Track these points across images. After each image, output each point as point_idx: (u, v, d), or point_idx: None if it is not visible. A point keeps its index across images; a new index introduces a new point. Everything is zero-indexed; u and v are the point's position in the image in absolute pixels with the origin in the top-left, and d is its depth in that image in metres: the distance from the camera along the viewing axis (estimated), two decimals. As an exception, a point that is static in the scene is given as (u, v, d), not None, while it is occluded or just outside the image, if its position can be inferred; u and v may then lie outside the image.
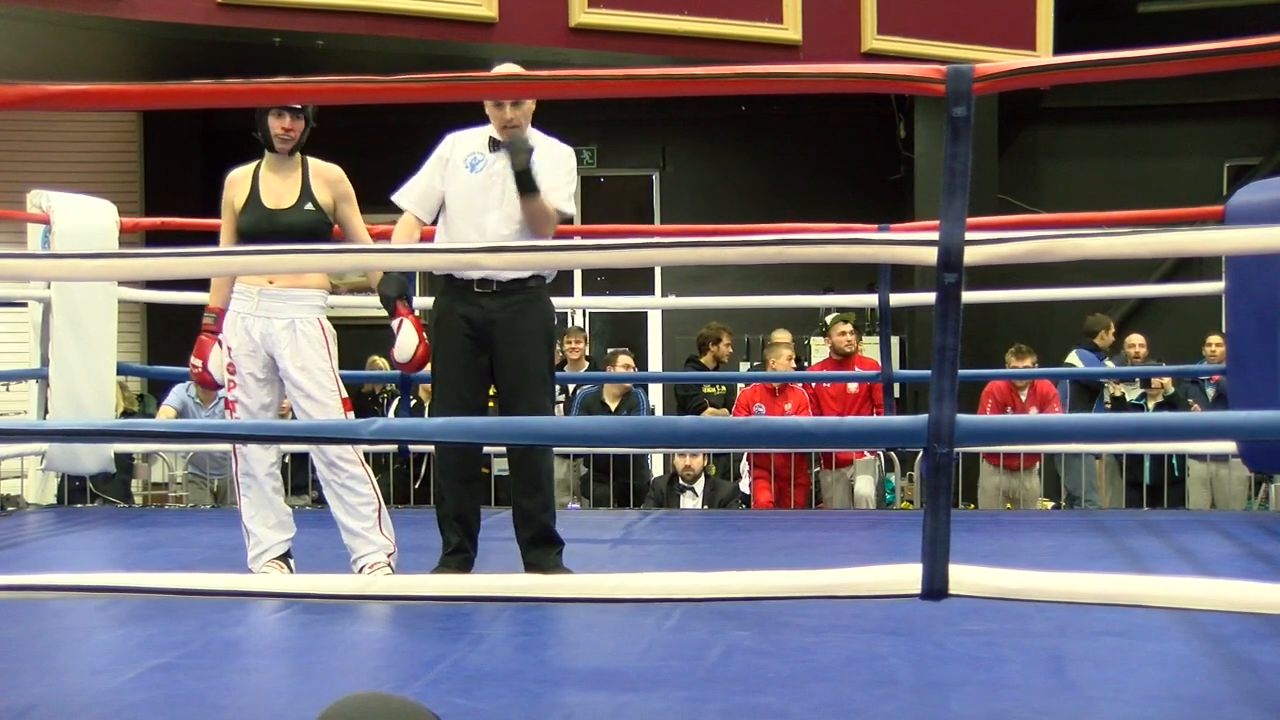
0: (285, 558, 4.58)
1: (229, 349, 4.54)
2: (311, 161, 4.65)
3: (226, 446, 7.96)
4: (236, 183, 4.64)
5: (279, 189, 4.58)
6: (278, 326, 4.52)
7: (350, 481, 4.53)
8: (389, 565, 4.54)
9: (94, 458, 6.68)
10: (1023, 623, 3.72)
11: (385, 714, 1.79)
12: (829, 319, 9.50)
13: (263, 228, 4.49)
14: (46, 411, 6.45)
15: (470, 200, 4.61)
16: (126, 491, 8.57)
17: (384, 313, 4.56)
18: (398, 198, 4.66)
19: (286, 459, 7.62)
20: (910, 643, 3.62)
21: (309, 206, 4.57)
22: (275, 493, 4.62)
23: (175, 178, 12.56)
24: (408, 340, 4.49)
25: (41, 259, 4.91)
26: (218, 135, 12.87)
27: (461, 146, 4.65)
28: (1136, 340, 9.36)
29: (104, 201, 6.71)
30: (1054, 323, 9.88)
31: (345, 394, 4.62)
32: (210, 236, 6.51)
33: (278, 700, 3.27)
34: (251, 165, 4.65)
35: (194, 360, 4.60)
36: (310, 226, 4.53)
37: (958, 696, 3.17)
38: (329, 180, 4.63)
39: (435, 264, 4.39)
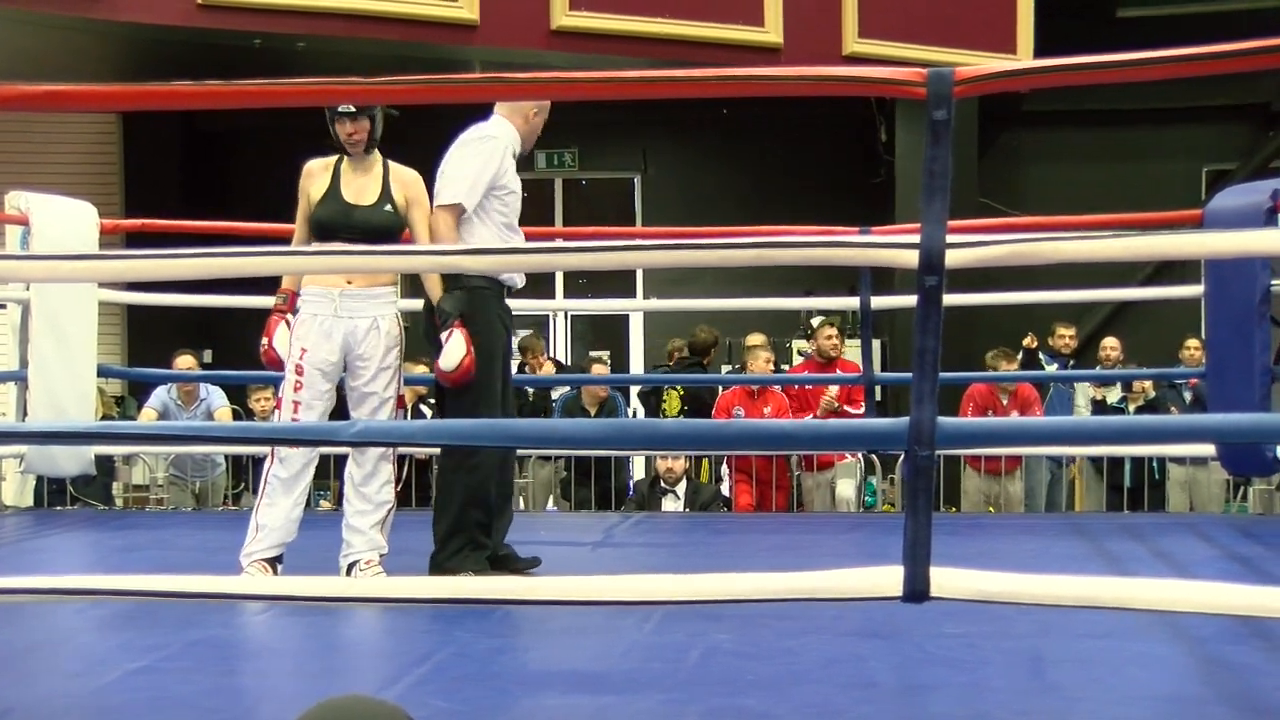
0: (275, 561, 4.57)
1: (302, 351, 4.51)
2: (391, 163, 4.66)
3: (207, 448, 8.01)
4: (315, 173, 4.61)
5: (359, 185, 4.58)
6: (362, 327, 4.54)
7: (379, 481, 4.58)
8: (380, 565, 4.55)
9: (73, 460, 6.65)
10: (1004, 625, 3.73)
11: (362, 717, 1.78)
12: (815, 322, 9.52)
13: (339, 221, 4.49)
14: (25, 413, 6.42)
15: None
16: (108, 494, 8.54)
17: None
18: (463, 198, 4.58)
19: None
20: (891, 645, 3.63)
21: (388, 207, 4.58)
22: (302, 497, 4.61)
23: (155, 179, 12.53)
24: (457, 350, 4.48)
25: (20, 260, 4.88)
26: (197, 137, 12.86)
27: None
28: (1109, 344, 9.44)
29: (84, 203, 6.68)
30: (1034, 326, 9.92)
31: (402, 391, 4.72)
32: (189, 239, 6.51)
33: (259, 702, 3.26)
34: (332, 158, 4.63)
35: (263, 340, 4.58)
36: (387, 226, 4.55)
37: (938, 698, 3.18)
38: (406, 183, 4.64)
39: (421, 266, 4.39)
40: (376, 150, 4.63)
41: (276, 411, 4.75)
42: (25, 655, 3.65)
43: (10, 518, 6.58)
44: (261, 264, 3.63)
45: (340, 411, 4.75)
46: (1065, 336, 9.74)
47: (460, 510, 4.60)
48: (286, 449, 4.52)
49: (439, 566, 4.56)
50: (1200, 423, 4.92)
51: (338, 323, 4.52)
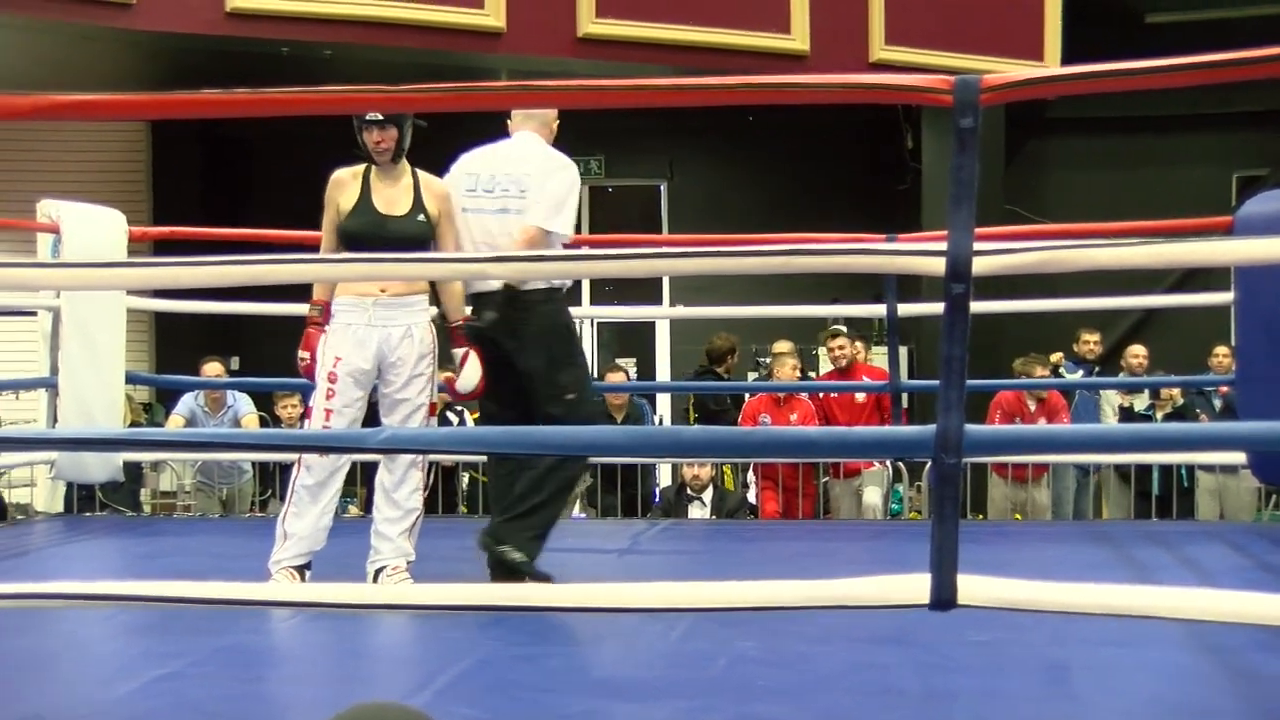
0: (303, 569, 4.58)
1: (336, 359, 4.51)
2: (420, 173, 4.66)
3: (234, 455, 8.04)
4: (344, 183, 4.59)
5: (390, 195, 4.58)
6: (396, 335, 4.54)
7: (408, 488, 4.59)
8: (407, 572, 4.55)
9: (102, 466, 6.69)
10: (1025, 632, 3.71)
11: (390, 723, 1.78)
12: (821, 334, 9.50)
13: (372, 232, 4.48)
14: (55, 420, 6.46)
15: None
16: (135, 500, 8.58)
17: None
18: (569, 232, 4.68)
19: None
20: (913, 652, 3.62)
21: (420, 217, 4.58)
22: (330, 505, 4.61)
23: (182, 187, 12.60)
24: (474, 373, 4.62)
25: (51, 268, 4.92)
26: (225, 144, 12.92)
27: None
28: (1136, 351, 9.37)
29: (113, 211, 6.72)
30: (1061, 333, 9.87)
31: (435, 399, 4.73)
32: (217, 246, 6.54)
33: (283, 710, 3.27)
34: (359, 167, 4.61)
35: (301, 354, 4.56)
36: (420, 236, 4.55)
37: (960, 706, 3.17)
38: (437, 195, 4.65)
39: (447, 274, 4.42)
40: (405, 159, 4.64)
41: (306, 420, 4.75)
42: (52, 661, 3.67)
43: (41, 523, 6.62)
44: (288, 271, 3.64)
45: (371, 419, 4.77)
46: (1090, 342, 9.69)
47: (547, 501, 4.66)
48: (313, 458, 4.53)
49: (497, 535, 4.57)
50: (1230, 430, 4.88)
51: (371, 331, 4.52)
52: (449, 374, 4.67)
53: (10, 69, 10.41)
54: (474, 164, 4.76)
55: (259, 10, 9.23)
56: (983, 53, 10.37)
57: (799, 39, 10.23)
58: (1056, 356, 9.59)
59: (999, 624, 3.66)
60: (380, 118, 4.49)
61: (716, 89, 2.88)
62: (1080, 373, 9.48)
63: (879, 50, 10.41)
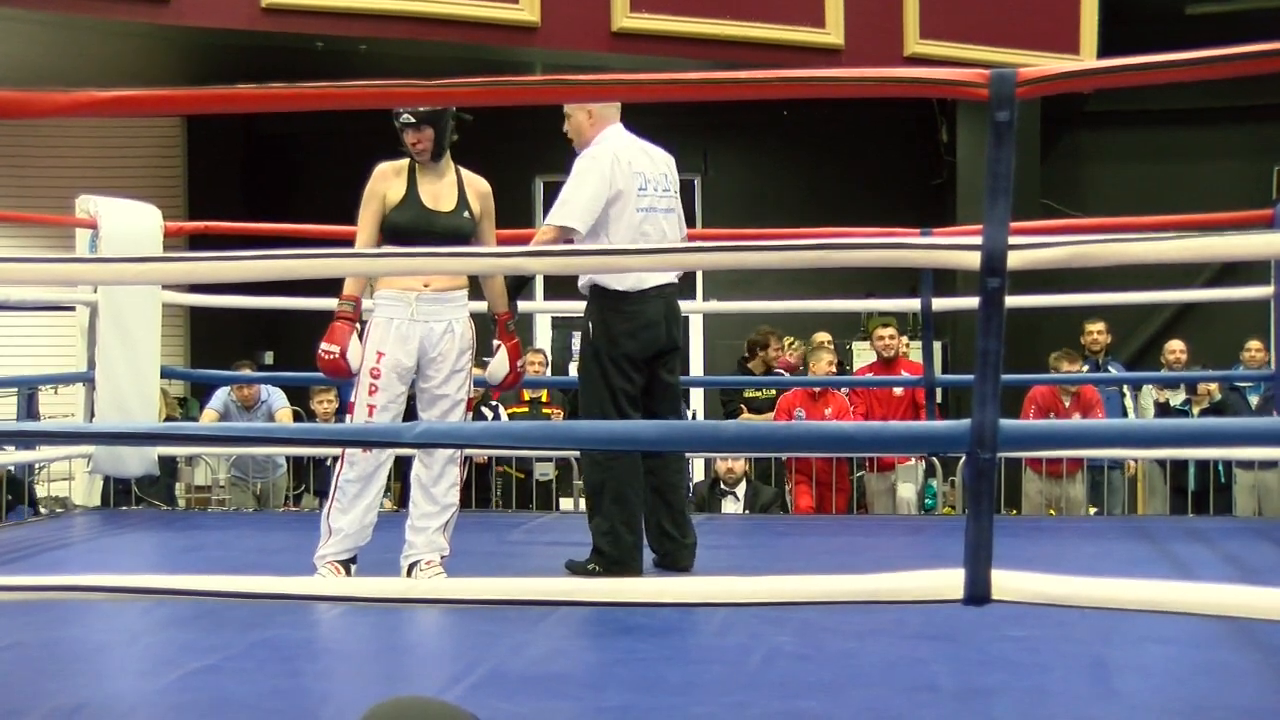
0: (348, 563, 4.59)
1: (379, 354, 4.51)
2: (463, 170, 4.68)
3: (269, 449, 8.08)
4: (389, 176, 4.59)
5: (436, 190, 4.59)
6: (438, 330, 4.55)
7: (446, 483, 4.59)
8: (441, 566, 4.57)
9: (138, 460, 6.72)
10: (1066, 629, 3.69)
11: (426, 718, 1.79)
12: (871, 321, 9.45)
13: (422, 226, 4.49)
14: (93, 414, 6.50)
15: None
16: (170, 494, 8.64)
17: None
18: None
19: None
20: (952, 648, 3.60)
21: (466, 213, 4.60)
22: (375, 501, 4.63)
23: (218, 182, 12.67)
24: (501, 367, 4.74)
25: (88, 263, 4.95)
26: (260, 140, 12.98)
27: None
28: (1177, 346, 9.26)
29: (149, 206, 6.76)
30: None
31: (471, 394, 4.75)
32: (252, 241, 6.57)
33: (320, 703, 3.28)
34: (404, 161, 4.62)
35: (327, 347, 4.48)
36: (465, 232, 4.58)
37: (999, 703, 3.15)
38: (480, 193, 4.68)
39: (489, 268, 4.44)
40: (448, 155, 4.65)
41: (348, 416, 4.77)
42: (92, 653, 3.70)
43: (79, 517, 6.67)
44: (323, 266, 3.65)
45: (409, 414, 4.78)
46: (1094, 333, 9.35)
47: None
48: (356, 453, 4.54)
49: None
50: (1268, 425, 4.85)
51: (414, 326, 4.53)
52: (479, 368, 4.68)
53: (47, 65, 10.48)
54: (638, 162, 4.80)
55: (294, 5, 9.26)
56: (1018, 47, 10.30)
57: (834, 33, 10.19)
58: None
59: (1040, 621, 3.63)
60: (413, 120, 4.49)
61: (751, 83, 2.87)
62: (1086, 367, 9.30)
63: (914, 44, 10.35)
